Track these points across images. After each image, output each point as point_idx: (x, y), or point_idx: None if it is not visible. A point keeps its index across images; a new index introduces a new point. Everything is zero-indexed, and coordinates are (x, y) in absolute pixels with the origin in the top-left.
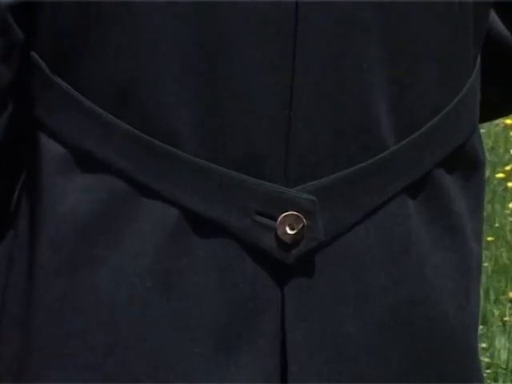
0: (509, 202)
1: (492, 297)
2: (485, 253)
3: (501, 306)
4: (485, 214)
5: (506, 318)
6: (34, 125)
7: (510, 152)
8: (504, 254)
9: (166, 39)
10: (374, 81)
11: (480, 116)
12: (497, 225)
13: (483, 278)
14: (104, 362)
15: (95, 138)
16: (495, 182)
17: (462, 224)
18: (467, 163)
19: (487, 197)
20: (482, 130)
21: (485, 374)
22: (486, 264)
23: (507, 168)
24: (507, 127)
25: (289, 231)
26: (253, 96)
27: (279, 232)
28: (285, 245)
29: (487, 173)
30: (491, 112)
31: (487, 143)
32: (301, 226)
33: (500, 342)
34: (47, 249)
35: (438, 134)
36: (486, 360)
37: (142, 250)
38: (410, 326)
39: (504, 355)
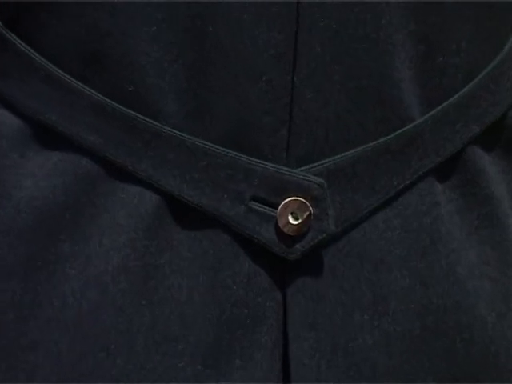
0: None
1: None
2: None
3: None
4: None
5: None
6: None
7: None
8: None
9: None
10: (396, 39)
11: None
12: None
13: None
14: (69, 376)
15: (58, 109)
16: None
17: (502, 213)
18: (508, 140)
19: None
20: None
21: None
22: None
23: None
24: None
25: (292, 221)
26: (247, 56)
27: (280, 222)
28: (287, 238)
29: None
30: None
31: None
32: (306, 214)
33: None
34: (0, 243)
35: (473, 105)
36: None
37: (114, 244)
38: (440, 337)
39: None
